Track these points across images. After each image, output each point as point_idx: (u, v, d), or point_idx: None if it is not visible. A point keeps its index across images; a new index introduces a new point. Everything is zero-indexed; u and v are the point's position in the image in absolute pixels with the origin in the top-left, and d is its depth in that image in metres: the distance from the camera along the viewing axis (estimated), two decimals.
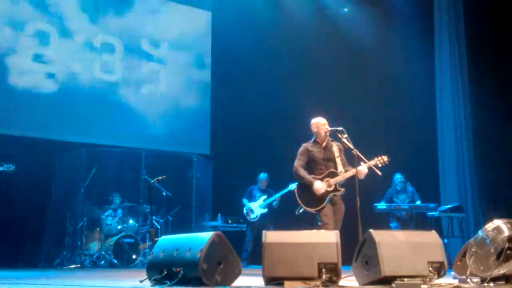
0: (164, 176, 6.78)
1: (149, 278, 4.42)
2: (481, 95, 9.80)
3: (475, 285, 3.97)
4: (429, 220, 8.81)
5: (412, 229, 8.57)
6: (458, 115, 10.15)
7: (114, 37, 10.55)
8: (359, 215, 5.32)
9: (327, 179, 5.86)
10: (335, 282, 4.09)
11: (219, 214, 9.61)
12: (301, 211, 5.92)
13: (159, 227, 9.25)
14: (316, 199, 5.80)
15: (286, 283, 4.05)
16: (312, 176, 5.91)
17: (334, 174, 5.88)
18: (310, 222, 5.91)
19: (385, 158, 5.93)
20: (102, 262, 8.65)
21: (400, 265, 3.97)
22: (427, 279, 3.94)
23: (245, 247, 9.31)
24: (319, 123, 6.03)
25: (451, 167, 10.02)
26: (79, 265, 8.52)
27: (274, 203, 9.21)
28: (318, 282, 4.01)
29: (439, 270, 4.06)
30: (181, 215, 9.60)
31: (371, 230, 4.16)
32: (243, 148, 10.56)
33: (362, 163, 5.75)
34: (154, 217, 8.82)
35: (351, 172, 5.79)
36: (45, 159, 9.13)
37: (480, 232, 4.07)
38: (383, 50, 10.29)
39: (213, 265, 4.14)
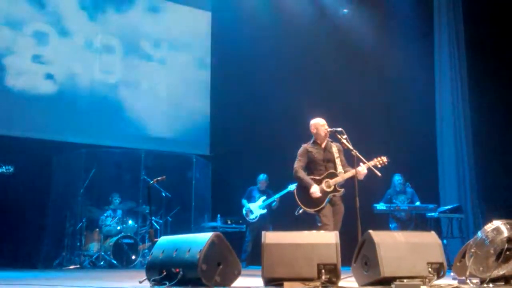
0: (164, 177, 6.78)
1: (149, 279, 4.42)
2: (481, 97, 9.80)
3: (474, 286, 3.97)
4: (428, 221, 8.82)
5: (411, 230, 8.57)
6: (458, 116, 10.15)
7: (114, 38, 10.55)
8: (359, 216, 5.32)
9: (326, 179, 5.86)
10: (334, 283, 4.09)
11: (219, 215, 9.60)
12: (300, 211, 5.92)
13: (159, 227, 9.25)
14: (315, 200, 5.80)
15: (286, 284, 4.05)
16: (312, 177, 5.91)
17: (333, 175, 5.88)
18: (310, 223, 5.91)
19: (384, 158, 5.94)
20: (102, 263, 8.64)
21: (399, 266, 3.97)
22: (427, 280, 3.94)
23: (244, 247, 9.31)
24: (318, 124, 6.03)
25: (451, 168, 10.03)
26: (78, 266, 8.51)
27: (274, 203, 9.21)
28: (318, 283, 4.00)
29: (439, 271, 4.06)
30: (180, 215, 9.59)
31: (371, 231, 4.15)
32: (242, 149, 10.56)
33: (361, 163, 5.76)
34: (153, 218, 8.82)
35: (351, 172, 5.79)
36: (45, 159, 9.13)
37: (479, 233, 4.07)
38: (383, 51, 10.28)
39: (213, 265, 4.14)
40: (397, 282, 3.84)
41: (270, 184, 9.49)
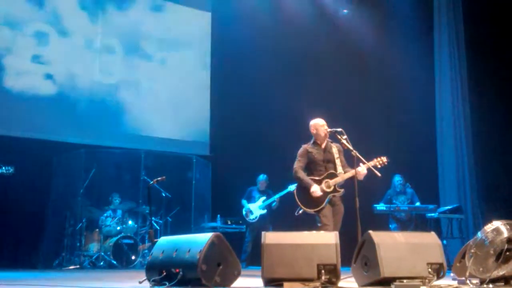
0: (164, 177, 6.78)
1: (148, 279, 4.42)
2: (481, 97, 9.80)
3: (474, 286, 3.98)
4: (428, 221, 8.82)
5: (411, 230, 8.57)
6: (457, 116, 10.15)
7: (114, 38, 10.55)
8: (359, 216, 5.33)
9: (326, 180, 5.86)
10: (334, 283, 4.09)
11: (219, 215, 9.60)
12: (300, 212, 5.92)
13: (158, 228, 9.24)
14: (315, 200, 5.80)
15: (286, 284, 4.05)
16: (311, 177, 5.91)
17: (333, 175, 5.88)
18: (310, 223, 5.91)
19: (384, 159, 5.94)
20: (101, 263, 8.64)
21: (399, 266, 3.97)
22: (427, 281, 3.95)
23: (244, 248, 9.30)
24: (318, 124, 6.03)
25: (451, 168, 10.03)
26: (78, 266, 8.51)
27: (274, 204, 9.21)
28: (318, 283, 4.01)
29: (439, 271, 4.06)
30: (180, 216, 9.59)
31: (371, 231, 4.16)
32: (242, 149, 10.55)
33: (361, 164, 5.76)
34: (153, 218, 8.82)
35: (350, 173, 5.79)
36: (44, 160, 9.12)
37: (479, 234, 4.07)
38: (383, 51, 10.29)
39: (213, 266, 4.14)
40: (397, 283, 3.84)
41: (270, 185, 9.49)
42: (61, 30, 9.98)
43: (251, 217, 9.28)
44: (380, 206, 8.83)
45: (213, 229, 9.24)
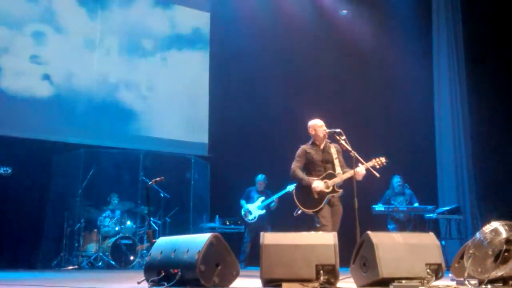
0: (162, 178, 6.77)
1: (147, 280, 4.42)
2: (479, 97, 9.81)
3: (472, 287, 3.98)
4: (427, 222, 8.81)
5: (410, 231, 8.56)
6: (456, 117, 10.16)
7: (113, 38, 10.54)
8: (357, 217, 5.33)
9: (325, 180, 5.86)
10: (333, 284, 4.09)
11: (217, 216, 9.59)
12: (299, 212, 5.92)
13: (157, 228, 9.24)
14: (314, 201, 5.80)
15: (284, 285, 4.05)
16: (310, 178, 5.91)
17: (332, 176, 5.88)
18: (308, 224, 5.91)
19: (383, 159, 5.94)
20: (100, 264, 8.63)
21: (398, 267, 3.97)
22: (425, 281, 3.95)
23: (243, 248, 9.30)
24: (316, 125, 6.03)
25: (449, 169, 10.03)
26: (76, 267, 8.50)
27: (272, 204, 9.21)
28: (316, 284, 4.01)
29: (437, 272, 4.07)
30: (179, 216, 9.58)
31: (369, 232, 4.16)
32: (241, 149, 10.55)
33: (360, 164, 5.76)
34: (152, 219, 8.82)
35: (349, 173, 5.79)
36: (43, 160, 9.12)
37: (477, 234, 4.07)
38: (381, 51, 10.30)
39: (211, 266, 4.14)
40: (396, 283, 3.84)
41: (269, 185, 9.49)
42: (60, 30, 9.97)
43: (250, 217, 9.28)
44: (379, 207, 8.83)
45: (211, 229, 9.23)
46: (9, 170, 6.72)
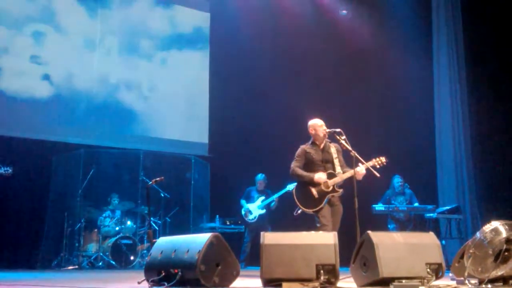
0: (162, 178, 6.77)
1: (147, 280, 4.42)
2: (479, 97, 9.81)
3: (473, 286, 3.98)
4: (427, 221, 8.81)
5: (410, 230, 8.57)
6: (456, 117, 10.15)
7: (112, 38, 10.55)
8: (357, 217, 5.33)
9: (325, 180, 5.86)
10: (333, 284, 4.09)
11: (217, 216, 9.60)
12: (299, 212, 5.92)
13: (157, 228, 9.24)
14: (314, 200, 5.81)
15: (284, 284, 4.05)
16: None
17: (332, 175, 5.88)
18: (308, 224, 5.91)
19: (383, 159, 5.94)
20: (100, 264, 8.63)
21: (398, 266, 3.97)
22: (425, 281, 3.95)
23: (243, 248, 9.30)
24: (316, 125, 6.03)
25: (449, 168, 10.03)
26: (77, 267, 8.50)
27: (272, 204, 9.21)
28: (316, 284, 4.01)
29: (437, 271, 4.07)
30: (179, 216, 9.59)
31: (369, 232, 4.16)
32: (241, 149, 10.56)
33: (360, 164, 5.76)
34: (152, 219, 8.82)
35: (349, 173, 5.79)
36: (43, 160, 9.12)
37: (478, 234, 4.07)
38: (382, 51, 10.30)
39: (211, 266, 4.14)
40: (396, 283, 3.84)
41: (269, 185, 9.49)
42: (60, 30, 9.96)
43: (250, 217, 9.28)
44: (379, 207, 8.83)
45: (211, 229, 9.24)
46: (10, 170, 6.72)
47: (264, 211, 9.26)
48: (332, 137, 5.97)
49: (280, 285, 4.06)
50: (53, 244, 8.85)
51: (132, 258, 8.79)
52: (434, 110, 10.40)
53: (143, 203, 9.13)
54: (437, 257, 4.11)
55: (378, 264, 3.94)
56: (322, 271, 4.06)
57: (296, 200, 5.91)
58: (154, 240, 5.27)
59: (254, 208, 9.29)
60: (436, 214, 8.70)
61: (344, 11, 11.19)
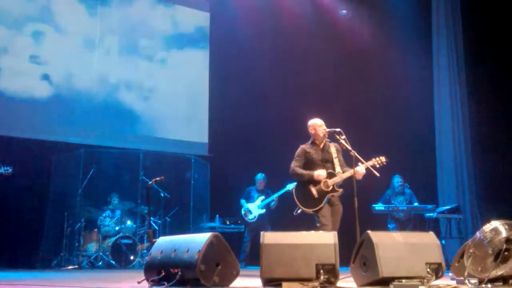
0: (162, 177, 6.78)
1: (147, 279, 4.42)
2: (479, 98, 9.81)
3: (473, 286, 3.98)
4: (427, 221, 8.82)
5: (410, 230, 8.58)
6: (456, 117, 10.16)
7: (112, 37, 10.54)
8: (357, 216, 5.33)
9: (325, 179, 5.86)
10: (333, 283, 4.09)
11: (217, 215, 9.60)
12: (299, 211, 5.92)
13: (157, 228, 9.24)
14: (314, 200, 5.81)
15: (284, 284, 4.05)
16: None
17: (332, 175, 5.88)
18: (308, 223, 5.91)
19: (382, 158, 5.94)
20: (100, 263, 8.63)
21: (398, 266, 3.97)
22: (425, 280, 3.95)
23: (243, 248, 9.30)
24: (316, 124, 6.03)
25: (449, 168, 10.04)
26: (76, 266, 8.50)
27: (272, 203, 9.21)
28: (316, 283, 4.01)
29: (437, 271, 4.07)
30: (179, 216, 9.59)
31: (369, 231, 4.16)
32: (241, 149, 10.56)
33: (359, 163, 5.76)
34: (152, 218, 8.81)
35: (349, 172, 5.79)
36: (43, 160, 9.11)
37: (478, 233, 4.07)
38: (382, 51, 10.30)
39: (211, 266, 4.14)
40: (396, 283, 3.84)
41: (269, 184, 9.49)
42: (59, 30, 9.96)
43: (250, 216, 9.28)
44: (379, 206, 8.84)
45: (211, 229, 9.24)
46: (10, 170, 6.73)
47: (264, 210, 9.26)
48: (332, 137, 5.97)
49: (280, 284, 4.06)
50: (53, 244, 8.85)
51: (132, 257, 8.80)
52: (434, 110, 10.41)
53: (143, 202, 9.13)
54: (437, 256, 4.11)
55: (378, 263, 3.94)
56: (322, 271, 4.06)
57: (296, 200, 5.91)
58: (154, 240, 5.27)
59: (254, 208, 9.29)
60: (436, 213, 8.70)
61: (344, 11, 11.18)
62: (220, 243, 4.28)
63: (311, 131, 6.06)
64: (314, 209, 5.80)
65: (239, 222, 9.51)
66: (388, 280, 3.90)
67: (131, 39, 10.71)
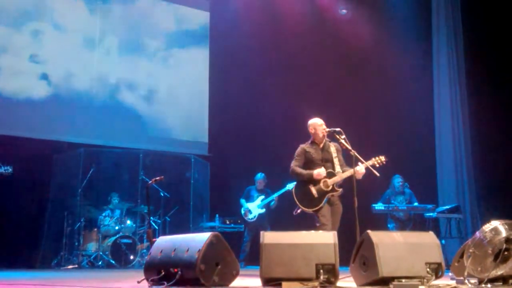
0: (162, 177, 6.77)
1: (147, 279, 4.42)
2: (479, 98, 9.82)
3: (472, 286, 3.98)
4: (427, 221, 8.82)
5: (410, 230, 8.58)
6: (456, 117, 10.17)
7: (112, 37, 10.54)
8: (357, 216, 5.33)
9: (324, 179, 5.86)
10: (333, 283, 4.08)
11: (217, 215, 9.59)
12: (298, 211, 5.92)
13: (157, 227, 9.24)
14: (313, 200, 5.81)
15: (284, 284, 4.05)
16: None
17: (331, 175, 5.88)
18: (308, 223, 5.91)
19: (382, 158, 5.94)
20: (100, 263, 8.63)
21: (398, 266, 3.97)
22: (425, 280, 3.95)
23: (243, 247, 9.30)
24: (316, 124, 6.03)
25: (449, 168, 10.04)
26: (76, 266, 8.50)
27: (272, 203, 9.20)
28: (316, 283, 4.00)
29: (437, 271, 4.06)
30: (179, 215, 9.59)
31: (369, 231, 4.16)
32: (241, 149, 10.56)
33: (359, 163, 5.76)
34: (151, 218, 8.81)
35: (349, 172, 5.79)
36: (43, 160, 9.11)
37: (477, 233, 4.07)
38: (381, 52, 10.30)
39: (211, 265, 4.14)
40: (396, 282, 3.84)
41: (269, 184, 9.48)
42: (59, 29, 9.96)
43: (250, 216, 9.27)
44: (379, 206, 8.84)
45: (211, 228, 9.24)
46: (10, 169, 6.73)
47: (263, 210, 9.26)
48: (331, 136, 5.97)
49: (280, 284, 4.06)
50: (53, 243, 8.86)
51: (131, 257, 8.79)
52: (434, 110, 10.41)
53: (142, 202, 9.13)
54: (437, 256, 4.11)
55: (377, 263, 3.94)
56: (321, 271, 4.06)
57: (296, 200, 5.90)
58: (153, 239, 5.27)
59: (254, 208, 9.29)
60: (436, 213, 8.70)
61: (344, 10, 11.18)
62: (220, 243, 4.28)
63: (311, 130, 6.06)
64: (314, 209, 5.80)
65: (239, 221, 9.50)
66: (388, 280, 3.90)
67: (131, 38, 10.71)
